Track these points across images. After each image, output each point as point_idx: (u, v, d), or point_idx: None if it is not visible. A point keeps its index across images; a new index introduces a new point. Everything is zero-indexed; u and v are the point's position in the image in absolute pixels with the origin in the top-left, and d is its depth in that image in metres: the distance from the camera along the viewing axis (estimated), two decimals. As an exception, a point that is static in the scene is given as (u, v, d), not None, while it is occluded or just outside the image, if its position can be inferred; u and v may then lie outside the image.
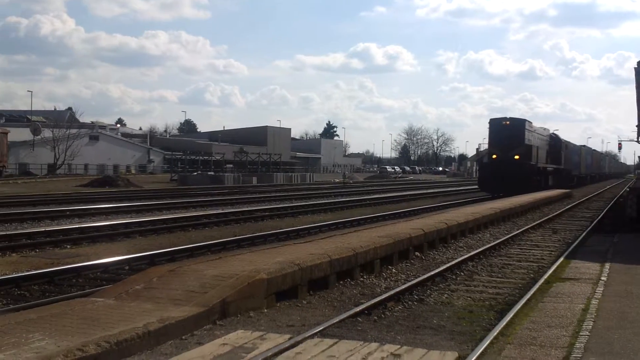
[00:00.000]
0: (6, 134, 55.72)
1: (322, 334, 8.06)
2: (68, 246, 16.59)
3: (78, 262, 13.48)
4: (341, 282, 11.79)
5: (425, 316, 9.67)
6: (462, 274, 13.55)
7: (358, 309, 9.56)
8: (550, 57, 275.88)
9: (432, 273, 12.89)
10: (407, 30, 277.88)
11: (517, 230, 22.22)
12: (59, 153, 71.57)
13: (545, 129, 53.94)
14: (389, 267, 13.79)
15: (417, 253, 15.67)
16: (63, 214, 24.05)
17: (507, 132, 43.01)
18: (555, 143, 55.99)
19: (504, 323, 8.93)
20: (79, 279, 12.34)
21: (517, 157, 42.60)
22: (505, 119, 44.56)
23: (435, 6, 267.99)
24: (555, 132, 60.51)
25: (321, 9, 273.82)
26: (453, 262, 14.38)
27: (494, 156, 43.57)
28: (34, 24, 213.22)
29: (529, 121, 45.92)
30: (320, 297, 10.63)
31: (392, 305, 10.23)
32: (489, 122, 45.07)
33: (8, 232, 18.01)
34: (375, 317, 9.39)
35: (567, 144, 64.03)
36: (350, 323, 8.93)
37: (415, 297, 10.95)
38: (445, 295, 11.31)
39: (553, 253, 17.15)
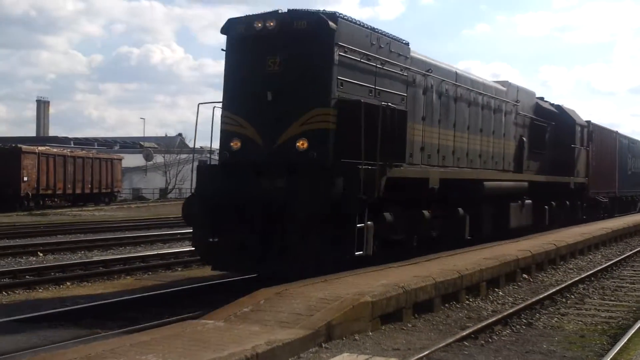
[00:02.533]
0: (120, 160, 58.18)
1: (429, 358, 8.03)
2: (179, 269, 17.12)
3: (188, 284, 13.90)
4: (446, 305, 11.67)
5: (534, 341, 9.46)
6: (572, 297, 13.16)
7: (464, 333, 9.45)
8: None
9: (541, 296, 12.59)
10: (510, 47, 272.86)
11: (630, 251, 21.38)
12: (170, 177, 74.04)
13: (508, 84, 20.84)
14: (496, 289, 13.55)
15: (524, 275, 15.32)
16: (174, 237, 24.83)
17: (274, 65, 12.68)
18: (555, 124, 24.69)
19: (618, 348, 8.65)
20: (190, 301, 12.70)
21: (302, 143, 12.35)
22: (268, 15, 12.86)
23: (539, 22, 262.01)
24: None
25: (423, 29, 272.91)
26: (563, 285, 14.00)
27: (235, 144, 12.98)
28: (144, 54, 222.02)
29: (368, 28, 13.54)
30: (425, 320, 10.56)
31: (499, 329, 10.06)
32: (226, 34, 13.38)
33: (123, 256, 18.79)
34: (483, 342, 9.26)
35: (595, 129, 30.17)
36: (457, 347, 8.84)
37: (524, 320, 10.71)
38: (555, 319, 11.02)
39: (670, 275, 16.43)
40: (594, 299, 13.09)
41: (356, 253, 11.99)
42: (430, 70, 15.68)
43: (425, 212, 14.59)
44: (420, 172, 14.93)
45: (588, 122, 28.78)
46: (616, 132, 35.70)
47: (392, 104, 13.36)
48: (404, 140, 13.80)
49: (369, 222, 12.26)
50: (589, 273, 15.92)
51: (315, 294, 9.94)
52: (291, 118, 12.50)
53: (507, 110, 20.37)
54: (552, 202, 23.67)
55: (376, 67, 13.46)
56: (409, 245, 14.60)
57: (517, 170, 21.18)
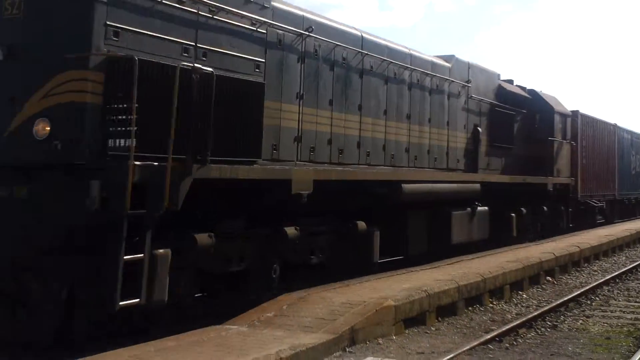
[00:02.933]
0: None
1: (453, 362, 7.99)
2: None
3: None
4: (470, 308, 11.62)
5: (559, 343, 9.39)
6: (597, 299, 13.06)
7: (489, 336, 9.40)
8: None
9: (566, 298, 12.51)
10: (529, 48, 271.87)
11: (656, 252, 21.22)
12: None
13: (455, 59, 16.02)
14: (519, 292, 13.47)
15: (548, 278, 15.23)
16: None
17: (12, 8, 7.99)
18: (527, 113, 20.20)
19: (645, 350, 8.56)
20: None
21: (42, 127, 7.62)
22: None
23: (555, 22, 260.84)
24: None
25: (439, 33, 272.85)
26: (587, 287, 13.91)
27: None
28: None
29: None
30: (449, 324, 10.52)
31: (524, 332, 10.00)
32: None
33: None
34: (507, 344, 9.20)
35: (586, 120, 25.83)
36: (481, 350, 8.79)
37: (548, 323, 10.65)
38: (580, 321, 10.93)
39: (696, 276, 16.27)
40: (619, 300, 12.97)
41: (121, 303, 7.39)
42: (310, 29, 10.94)
43: (290, 230, 10.26)
44: (269, 171, 9.75)
45: (575, 111, 24.10)
46: (615, 125, 29.85)
47: (235, 71, 9.32)
48: (255, 126, 9.37)
49: (160, 251, 7.88)
50: (613, 275, 15.80)
51: (338, 299, 9.92)
52: (30, 89, 7.80)
53: (452, 92, 15.57)
54: (522, 209, 19.13)
55: (198, 13, 8.89)
56: (264, 278, 10.23)
57: (471, 169, 16.47)
